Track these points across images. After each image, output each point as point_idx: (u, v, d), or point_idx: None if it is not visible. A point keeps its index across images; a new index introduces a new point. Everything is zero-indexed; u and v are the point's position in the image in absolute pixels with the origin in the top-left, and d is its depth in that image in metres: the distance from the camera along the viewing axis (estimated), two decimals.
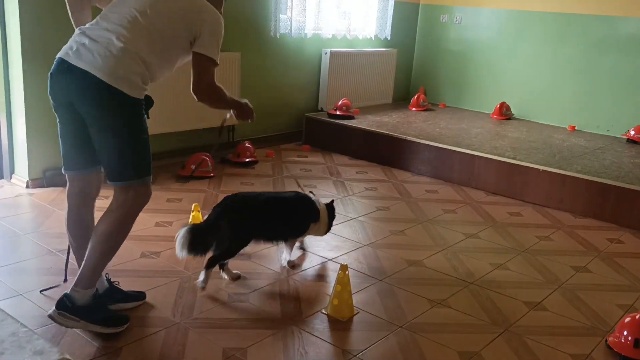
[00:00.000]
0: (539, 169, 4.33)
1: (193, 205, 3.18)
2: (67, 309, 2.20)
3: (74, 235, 2.40)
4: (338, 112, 5.62)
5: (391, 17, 6.32)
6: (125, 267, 2.88)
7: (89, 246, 2.25)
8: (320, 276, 2.96)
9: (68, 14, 2.37)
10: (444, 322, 2.60)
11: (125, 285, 2.67)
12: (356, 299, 2.71)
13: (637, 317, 2.45)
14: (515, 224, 3.91)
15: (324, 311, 2.60)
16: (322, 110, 5.89)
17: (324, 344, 2.36)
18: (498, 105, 6.21)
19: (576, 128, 5.92)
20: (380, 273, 3.04)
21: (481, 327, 2.58)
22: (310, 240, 3.38)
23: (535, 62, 6.14)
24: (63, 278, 2.65)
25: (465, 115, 6.23)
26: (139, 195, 2.29)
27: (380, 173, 4.91)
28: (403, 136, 5.05)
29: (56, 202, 3.68)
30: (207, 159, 4.42)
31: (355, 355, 2.30)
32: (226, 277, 2.81)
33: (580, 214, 4.15)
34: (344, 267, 2.56)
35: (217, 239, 2.67)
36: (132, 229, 3.24)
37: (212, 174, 4.41)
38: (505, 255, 3.38)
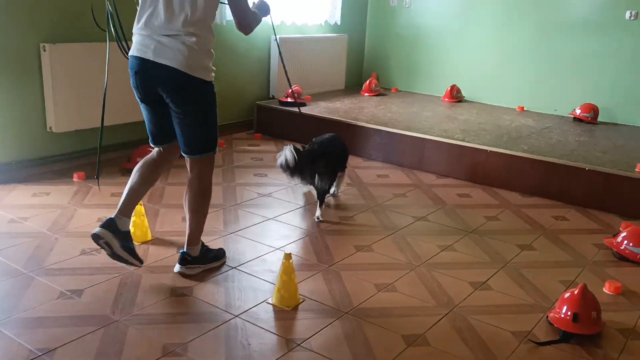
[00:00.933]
0: (487, 150, 4.37)
1: None
2: (188, 262, 2.75)
3: (142, 175, 2.72)
4: (289, 99, 5.57)
5: (341, 2, 6.28)
6: (65, 265, 2.79)
7: (190, 216, 2.71)
8: (267, 266, 2.92)
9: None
10: (389, 306, 2.61)
11: (62, 284, 2.59)
12: (302, 288, 2.69)
13: (576, 291, 2.50)
14: (464, 205, 3.95)
15: (269, 301, 2.57)
16: (273, 97, 5.83)
17: (267, 335, 2.34)
18: (449, 88, 6.26)
19: (525, 109, 6.02)
20: (327, 260, 3.02)
21: (426, 310, 2.59)
22: (258, 229, 3.35)
23: (485, 45, 6.20)
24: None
25: (417, 99, 6.26)
26: (212, 163, 2.71)
27: None
28: (354, 122, 5.04)
29: None
30: None
31: (299, 344, 2.28)
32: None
33: (528, 193, 4.21)
34: (287, 256, 2.53)
35: (317, 174, 3.53)
36: (73, 226, 3.18)
37: None
38: (452, 237, 3.41)
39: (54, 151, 4.15)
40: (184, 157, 2.68)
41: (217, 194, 3.87)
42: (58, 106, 4.02)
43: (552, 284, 2.90)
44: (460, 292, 2.76)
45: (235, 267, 2.88)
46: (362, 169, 4.64)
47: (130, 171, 4.12)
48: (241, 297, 2.61)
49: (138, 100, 2.64)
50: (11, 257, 2.83)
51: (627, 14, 5.37)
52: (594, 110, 5.49)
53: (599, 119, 5.53)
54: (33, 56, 3.92)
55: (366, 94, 6.36)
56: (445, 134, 4.73)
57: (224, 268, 2.86)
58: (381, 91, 6.50)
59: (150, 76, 2.48)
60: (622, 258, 3.21)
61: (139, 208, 3.07)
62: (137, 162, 4.12)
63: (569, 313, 2.45)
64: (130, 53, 2.52)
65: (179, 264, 2.77)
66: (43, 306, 2.42)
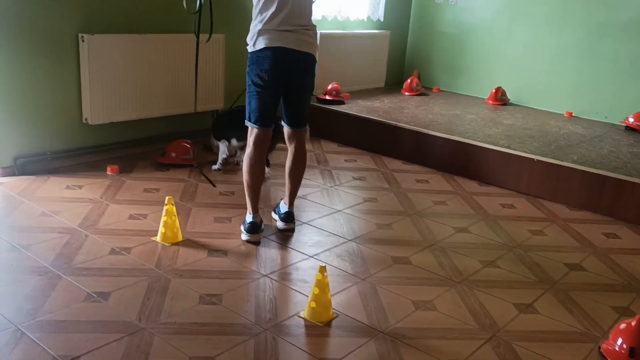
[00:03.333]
0: (533, 159, 4.15)
1: (167, 198, 3.00)
2: (294, 218, 3.33)
3: (259, 176, 3.13)
4: (327, 97, 5.43)
5: None
6: (92, 264, 2.71)
7: (294, 180, 3.26)
8: (300, 275, 2.80)
9: None
10: (428, 326, 2.45)
11: (89, 286, 2.51)
12: (336, 301, 2.56)
13: (633, 323, 2.30)
14: (508, 216, 3.75)
15: (300, 315, 2.45)
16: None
17: (298, 352, 2.21)
18: (493, 90, 6.02)
19: (573, 114, 5.74)
20: (363, 271, 2.88)
21: (468, 332, 2.43)
22: (290, 234, 3.23)
23: (533, 46, 5.94)
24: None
25: (460, 101, 6.04)
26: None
27: (370, 161, 4.74)
28: (394, 123, 4.87)
29: (26, 192, 3.49)
30: (189, 145, 4.24)
31: None
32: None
33: (576, 206, 3.99)
34: (322, 269, 2.40)
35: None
36: (104, 222, 3.13)
37: (194, 162, 4.23)
38: (495, 252, 3.22)
39: (88, 143, 4.10)
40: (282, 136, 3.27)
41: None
42: (94, 98, 3.97)
43: (603, 309, 2.70)
44: (504, 315, 2.58)
45: (266, 275, 2.76)
46: (400, 173, 4.47)
47: (164, 166, 4.11)
48: (272, 308, 2.49)
49: (262, 86, 2.98)
50: (40, 253, 2.77)
51: None
52: None
53: None
54: (71, 46, 3.87)
55: (407, 93, 6.17)
56: (489, 139, 4.52)
57: (255, 275, 2.75)
58: (422, 90, 6.30)
59: (289, 62, 2.95)
60: None
61: (171, 208, 2.98)
62: (172, 157, 4.14)
63: (624, 346, 2.26)
64: (270, 45, 2.91)
65: (288, 221, 3.26)
66: (68, 309, 2.34)
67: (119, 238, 3.00)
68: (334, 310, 2.48)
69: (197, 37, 3.46)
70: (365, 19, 6.07)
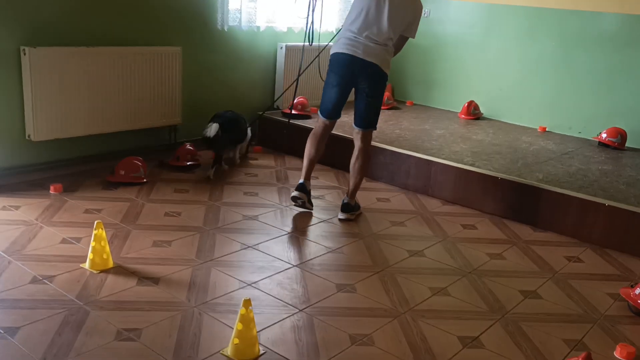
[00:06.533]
0: (497, 177, 4.00)
1: (95, 222, 2.82)
2: (350, 209, 3.72)
3: (314, 153, 3.74)
4: (293, 112, 5.27)
5: None
6: (7, 295, 2.52)
7: (356, 175, 3.73)
8: (232, 306, 2.61)
9: None
10: None
11: (0, 319, 2.33)
12: (266, 335, 2.39)
13: None
14: (467, 239, 3.59)
15: (223, 352, 2.27)
16: (277, 108, 5.54)
17: None
18: (466, 104, 5.87)
19: (547, 129, 5.61)
20: (302, 301, 2.70)
21: None
22: (233, 259, 3.05)
23: (507, 59, 5.81)
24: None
25: (432, 115, 5.89)
26: (372, 135, 3.73)
27: (333, 178, 4.57)
28: None
29: None
30: (139, 163, 4.06)
31: None
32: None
33: (540, 227, 3.83)
34: (246, 303, 2.22)
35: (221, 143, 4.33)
36: (33, 247, 2.95)
37: (144, 180, 4.05)
38: (448, 278, 3.06)
39: (32, 160, 3.92)
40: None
41: (198, 215, 3.59)
42: (38, 113, 3.79)
43: (554, 343, 2.53)
44: (446, 350, 2.41)
45: (195, 306, 2.58)
46: (362, 191, 4.28)
47: (113, 184, 3.93)
48: (194, 344, 2.31)
49: (327, 82, 3.60)
50: None
51: None
52: (621, 135, 5.05)
53: (627, 144, 5.10)
54: (12, 60, 3.70)
55: None
56: (455, 156, 4.37)
57: (183, 306, 2.57)
58: (394, 104, 6.16)
59: (355, 67, 3.46)
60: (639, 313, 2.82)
61: (100, 232, 2.80)
62: (121, 175, 3.97)
63: None
64: (337, 50, 3.51)
65: (343, 211, 3.70)
66: None
67: (44, 265, 2.81)
68: (261, 347, 2.31)
69: (310, 42, 4.14)
70: (335, 31, 5.92)
